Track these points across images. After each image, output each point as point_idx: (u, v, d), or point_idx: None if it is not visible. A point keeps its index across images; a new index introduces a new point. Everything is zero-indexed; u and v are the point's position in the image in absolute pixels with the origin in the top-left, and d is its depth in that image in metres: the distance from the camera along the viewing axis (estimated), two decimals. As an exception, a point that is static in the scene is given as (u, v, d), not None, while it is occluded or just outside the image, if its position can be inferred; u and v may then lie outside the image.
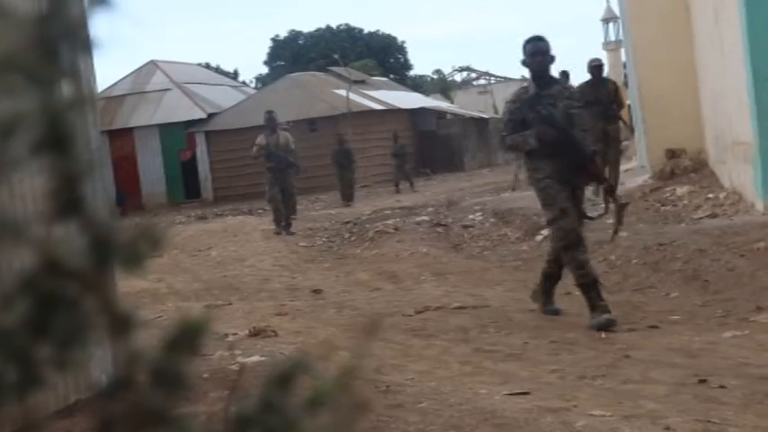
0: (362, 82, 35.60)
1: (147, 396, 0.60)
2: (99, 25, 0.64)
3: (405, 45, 54.77)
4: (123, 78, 32.84)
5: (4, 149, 0.53)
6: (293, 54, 51.98)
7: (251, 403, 0.65)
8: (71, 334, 0.59)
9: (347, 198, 21.45)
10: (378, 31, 54.44)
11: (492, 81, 48.98)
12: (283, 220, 14.50)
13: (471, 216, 13.10)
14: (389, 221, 13.20)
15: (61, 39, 0.59)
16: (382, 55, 51.33)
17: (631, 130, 13.37)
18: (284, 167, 14.68)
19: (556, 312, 6.72)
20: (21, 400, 0.65)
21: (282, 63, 51.51)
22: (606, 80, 13.49)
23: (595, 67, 13.21)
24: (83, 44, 0.61)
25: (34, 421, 0.79)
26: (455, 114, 36.98)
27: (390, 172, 30.69)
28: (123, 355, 0.60)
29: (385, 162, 29.90)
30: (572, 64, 50.31)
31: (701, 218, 9.89)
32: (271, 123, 14.90)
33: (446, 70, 51.47)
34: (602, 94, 12.83)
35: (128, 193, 28.65)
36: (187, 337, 0.62)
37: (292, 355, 0.67)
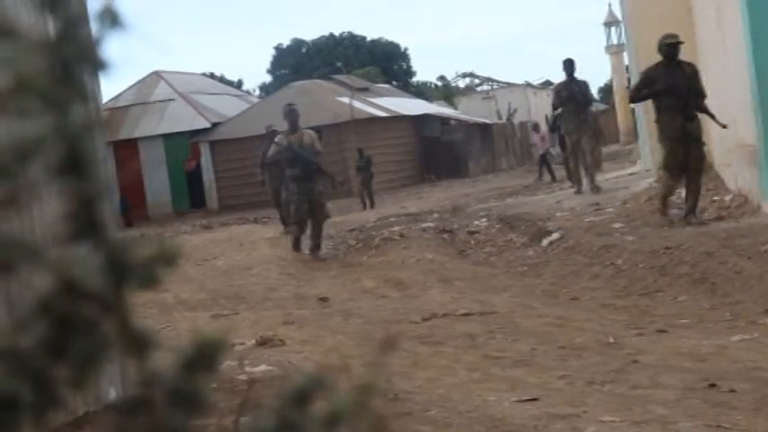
0: (366, 89, 35.65)
1: (165, 416, 0.60)
2: (110, 45, 0.64)
3: (408, 52, 54.86)
4: (127, 89, 32.93)
5: (22, 172, 0.54)
6: (297, 62, 52.09)
7: (268, 420, 0.65)
8: (88, 355, 0.59)
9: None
10: (381, 38, 54.55)
11: (495, 87, 49.00)
12: (312, 240, 11.85)
13: (477, 222, 13.09)
14: (395, 228, 13.20)
15: (75, 61, 0.59)
16: (385, 62, 51.41)
17: (722, 126, 9.97)
18: (312, 174, 11.84)
19: None
20: (37, 420, 0.65)
21: (286, 71, 51.60)
22: (682, 63, 9.96)
23: (671, 45, 9.86)
24: (96, 66, 0.61)
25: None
26: (459, 120, 37.00)
27: (395, 179, 30.69)
28: (141, 375, 0.60)
29: (388, 169, 29.92)
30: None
31: (708, 221, 9.88)
32: (292, 118, 11.98)
33: (449, 77, 51.50)
34: (679, 80, 9.72)
35: (133, 204, 28.68)
36: (204, 356, 0.62)
37: (309, 371, 0.67)
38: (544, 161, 23.83)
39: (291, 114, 12.01)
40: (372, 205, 21.94)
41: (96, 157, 0.56)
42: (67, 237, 0.56)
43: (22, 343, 0.59)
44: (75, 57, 0.57)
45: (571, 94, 14.08)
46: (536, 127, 26.12)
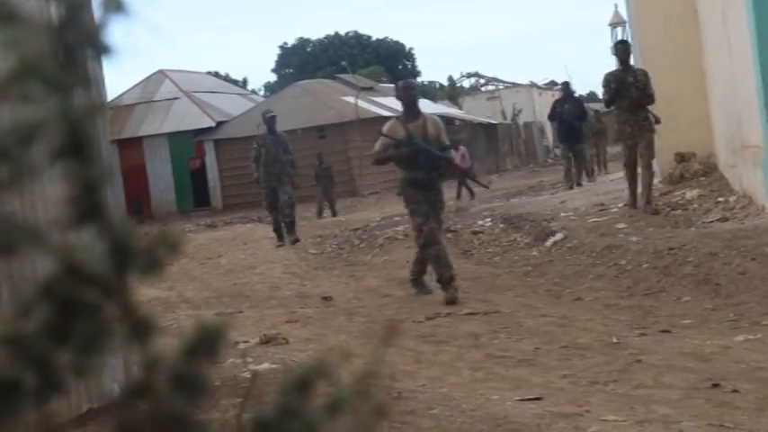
0: (371, 89, 35.64)
1: (167, 401, 0.60)
2: (114, 32, 0.64)
3: (413, 52, 54.87)
4: (132, 87, 32.98)
5: (24, 156, 0.54)
6: (301, 62, 52.12)
7: (269, 408, 0.65)
8: (91, 340, 0.59)
9: (318, 213, 20.53)
10: (386, 38, 54.54)
11: (500, 87, 48.97)
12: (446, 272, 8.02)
13: (481, 222, 13.09)
14: (399, 228, 13.20)
15: (78, 46, 0.60)
16: (390, 62, 51.42)
17: None
18: (438, 178, 8.31)
19: None
20: (39, 406, 0.65)
21: (291, 71, 51.65)
22: None
23: None
24: (99, 51, 0.61)
25: (52, 428, 0.80)
26: (463, 120, 36.98)
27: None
28: (143, 361, 0.60)
29: (393, 169, 29.90)
30: (579, 68, 50.37)
31: (712, 222, 9.86)
32: (410, 98, 8.21)
33: (454, 76, 51.47)
34: None
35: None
36: (206, 343, 0.62)
37: (310, 361, 0.67)
38: (462, 180, 23.49)
39: (408, 93, 8.26)
40: (335, 214, 20.67)
41: (99, 142, 0.56)
42: (70, 220, 0.56)
43: (25, 328, 0.59)
44: (78, 41, 0.58)
45: (624, 86, 10.78)
46: (456, 144, 25.97)
